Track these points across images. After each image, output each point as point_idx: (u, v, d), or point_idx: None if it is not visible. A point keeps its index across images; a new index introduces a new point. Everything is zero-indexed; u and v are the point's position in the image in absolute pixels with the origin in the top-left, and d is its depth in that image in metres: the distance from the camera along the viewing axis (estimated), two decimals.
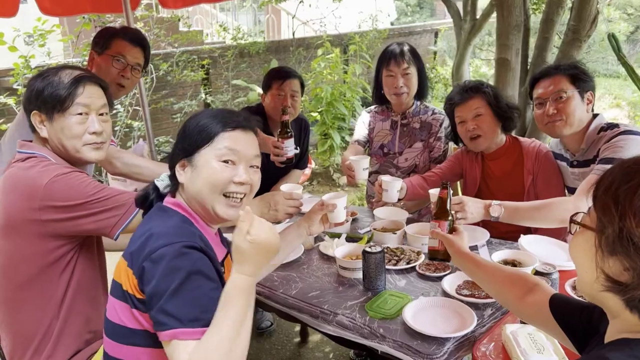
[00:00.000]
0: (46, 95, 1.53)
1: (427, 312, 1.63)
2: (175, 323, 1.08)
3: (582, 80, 2.06)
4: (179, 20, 7.09)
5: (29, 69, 4.51)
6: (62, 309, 1.54)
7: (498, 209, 1.97)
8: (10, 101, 4.56)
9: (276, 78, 2.79)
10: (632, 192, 0.83)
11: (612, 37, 3.20)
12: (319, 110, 6.02)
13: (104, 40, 2.27)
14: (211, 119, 1.32)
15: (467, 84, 2.35)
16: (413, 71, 2.59)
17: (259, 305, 1.93)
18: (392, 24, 12.65)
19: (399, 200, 2.31)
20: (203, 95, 6.54)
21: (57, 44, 5.12)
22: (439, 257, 1.72)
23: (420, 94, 2.70)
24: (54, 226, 1.48)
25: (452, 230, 1.68)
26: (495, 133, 2.29)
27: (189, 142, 1.31)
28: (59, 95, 1.53)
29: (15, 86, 4.62)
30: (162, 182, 1.38)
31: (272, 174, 2.94)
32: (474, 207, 1.97)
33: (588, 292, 0.94)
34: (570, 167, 2.18)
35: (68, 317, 1.54)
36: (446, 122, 2.63)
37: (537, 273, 1.61)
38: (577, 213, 0.97)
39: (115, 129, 5.25)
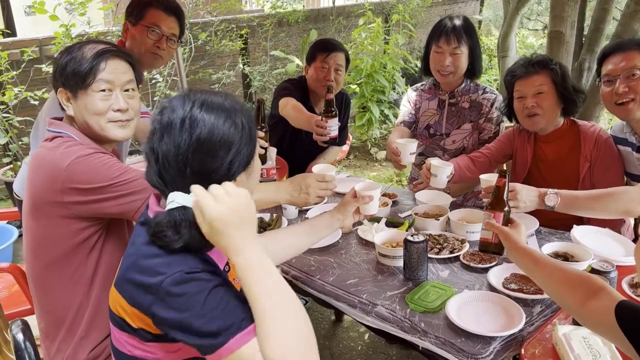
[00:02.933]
0: (69, 71, 1.48)
1: (472, 307, 1.54)
2: (223, 338, 1.00)
3: None
4: None
5: (69, 37, 4.51)
6: (93, 290, 1.52)
7: (554, 197, 1.84)
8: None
9: (321, 50, 2.69)
10: None
11: None
12: (358, 82, 5.85)
13: (138, 10, 2.19)
14: None
15: (534, 57, 2.15)
16: (464, 50, 2.39)
17: (295, 290, 1.88)
18: None
19: None
20: (241, 66, 6.46)
21: (98, 13, 5.11)
22: (491, 250, 1.61)
23: (472, 73, 2.50)
24: (77, 208, 1.44)
25: (508, 222, 1.57)
26: (554, 115, 2.12)
27: None
28: (80, 72, 1.47)
29: (56, 55, 4.66)
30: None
31: (309, 150, 2.87)
32: (528, 195, 1.85)
33: None
34: (636, 152, 2.02)
35: (101, 298, 1.52)
36: (498, 102, 2.47)
37: (592, 270, 1.50)
38: None
39: (155, 99, 5.26)
